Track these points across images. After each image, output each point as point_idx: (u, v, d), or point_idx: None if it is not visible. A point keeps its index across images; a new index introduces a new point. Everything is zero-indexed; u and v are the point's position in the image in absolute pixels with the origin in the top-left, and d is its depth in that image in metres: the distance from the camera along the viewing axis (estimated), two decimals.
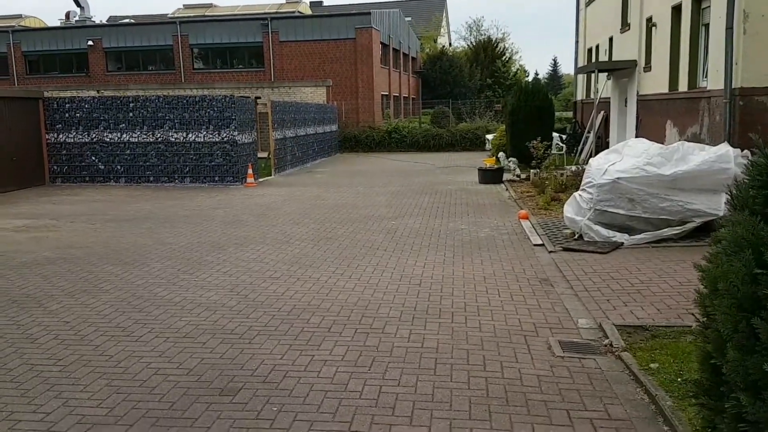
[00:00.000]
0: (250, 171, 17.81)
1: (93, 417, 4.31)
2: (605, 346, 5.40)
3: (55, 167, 18.33)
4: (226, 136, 17.44)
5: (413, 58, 46.89)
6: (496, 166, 18.40)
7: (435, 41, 55.51)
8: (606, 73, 21.24)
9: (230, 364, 5.21)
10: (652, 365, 4.77)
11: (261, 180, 18.75)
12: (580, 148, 21.95)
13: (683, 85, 14.02)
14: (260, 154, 21.22)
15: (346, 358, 5.30)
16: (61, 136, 18.10)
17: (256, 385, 4.79)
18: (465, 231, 10.75)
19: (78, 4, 42.55)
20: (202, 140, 17.56)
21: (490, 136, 26.50)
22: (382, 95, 37.15)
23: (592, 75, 21.61)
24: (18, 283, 7.83)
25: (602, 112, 22.10)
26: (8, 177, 16.71)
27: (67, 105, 17.97)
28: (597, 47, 24.50)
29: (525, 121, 18.96)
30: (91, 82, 34.57)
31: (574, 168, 16.23)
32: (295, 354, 5.41)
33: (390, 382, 4.81)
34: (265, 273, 8.10)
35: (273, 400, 4.54)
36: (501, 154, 20.38)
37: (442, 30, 61.83)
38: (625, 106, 19.77)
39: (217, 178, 17.67)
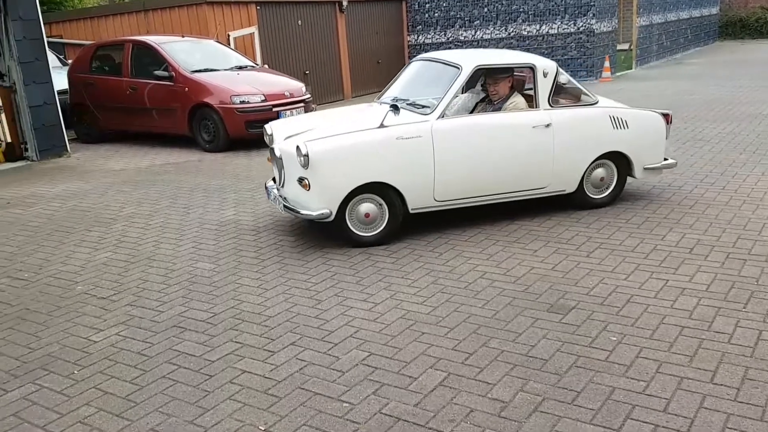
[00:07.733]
0: (606, 64, 16.14)
1: (416, 314, 4.15)
2: None
3: None
4: (582, 26, 15.94)
5: None
6: None
7: None
8: None
9: (562, 277, 4.55)
10: None
11: (618, 74, 16.91)
12: None
13: None
14: (620, 46, 19.09)
15: (710, 289, 4.16)
16: (420, 37, 18.88)
17: (592, 307, 4.06)
18: None
19: None
20: (555, 32, 16.40)
21: None
22: None
23: None
24: None
25: None
26: (372, 79, 18.09)
27: (427, 5, 18.52)
28: None
29: None
30: None
31: None
32: (643, 276, 4.47)
33: None
34: None
35: (611, 328, 3.77)
36: None
37: None
38: None
39: (569, 73, 16.42)
